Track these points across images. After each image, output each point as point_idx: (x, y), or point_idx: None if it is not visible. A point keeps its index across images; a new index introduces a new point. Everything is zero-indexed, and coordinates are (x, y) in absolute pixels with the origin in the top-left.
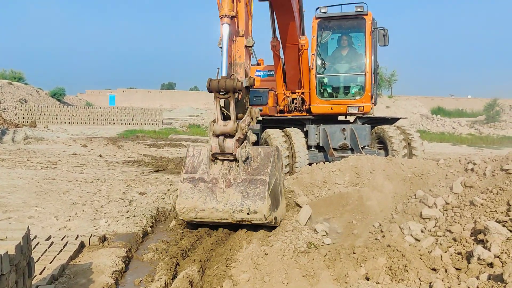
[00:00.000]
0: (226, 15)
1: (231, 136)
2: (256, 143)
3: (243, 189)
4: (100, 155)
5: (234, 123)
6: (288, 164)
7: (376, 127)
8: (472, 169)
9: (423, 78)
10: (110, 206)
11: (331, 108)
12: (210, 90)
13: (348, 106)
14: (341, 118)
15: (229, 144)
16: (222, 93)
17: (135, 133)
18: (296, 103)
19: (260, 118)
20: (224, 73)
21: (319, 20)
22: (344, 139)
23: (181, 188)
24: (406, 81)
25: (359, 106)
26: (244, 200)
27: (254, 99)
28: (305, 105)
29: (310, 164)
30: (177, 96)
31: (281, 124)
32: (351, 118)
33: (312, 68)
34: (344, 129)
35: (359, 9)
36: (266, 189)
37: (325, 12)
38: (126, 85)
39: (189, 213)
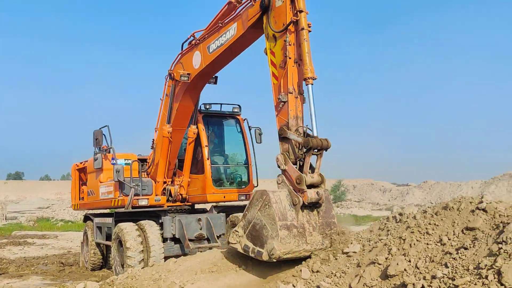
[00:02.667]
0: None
1: (315, 186)
2: (108, 237)
3: (322, 231)
4: None
5: (319, 176)
6: (143, 259)
7: (231, 215)
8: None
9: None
10: None
11: (224, 197)
12: (309, 147)
13: (238, 195)
14: (198, 206)
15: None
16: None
17: None
18: (175, 193)
19: (112, 211)
20: (315, 133)
21: (202, 115)
22: (200, 229)
23: (281, 235)
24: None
25: (247, 194)
26: (324, 240)
27: (141, 189)
28: (184, 195)
29: (166, 258)
30: (25, 186)
31: (135, 217)
32: (208, 207)
33: (208, 159)
34: (199, 219)
35: (235, 110)
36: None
37: (208, 109)
38: None
39: (285, 255)
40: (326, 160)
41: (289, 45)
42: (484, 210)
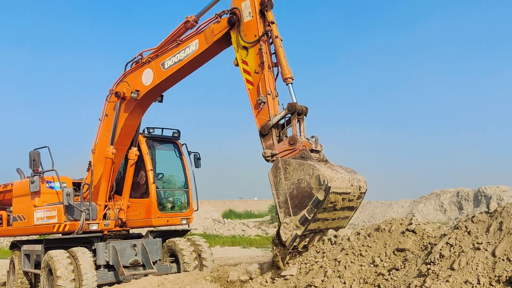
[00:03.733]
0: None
1: None
2: (37, 266)
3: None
4: None
5: (306, 138)
6: None
7: (167, 240)
8: (251, 278)
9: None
10: None
11: (167, 221)
12: (294, 111)
13: (180, 218)
14: (133, 231)
15: None
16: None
17: None
18: (115, 217)
19: (41, 237)
20: None
21: (145, 139)
22: (135, 255)
23: (320, 167)
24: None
25: (187, 218)
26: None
27: (90, 213)
28: (124, 219)
29: (99, 286)
30: None
31: (66, 244)
32: (143, 232)
33: (154, 183)
34: (135, 245)
35: (175, 134)
36: None
37: (150, 132)
38: None
39: (338, 182)
40: (263, 182)
41: (265, 53)
42: (413, 231)
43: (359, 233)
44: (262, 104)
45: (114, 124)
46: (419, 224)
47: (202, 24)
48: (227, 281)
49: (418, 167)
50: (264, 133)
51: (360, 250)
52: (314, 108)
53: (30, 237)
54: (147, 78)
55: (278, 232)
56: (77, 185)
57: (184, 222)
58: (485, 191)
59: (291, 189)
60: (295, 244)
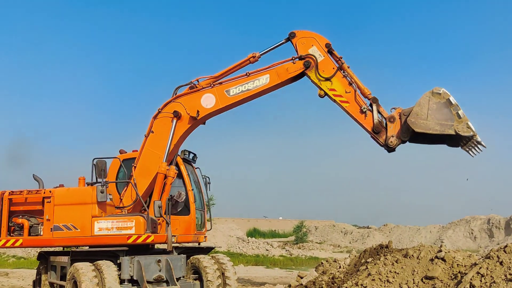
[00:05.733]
0: None
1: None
2: (63, 277)
3: None
4: None
5: None
6: None
7: (191, 257)
8: None
9: (239, 201)
10: None
11: (197, 238)
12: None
13: (203, 236)
14: (158, 246)
15: None
16: None
17: None
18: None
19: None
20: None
21: (182, 159)
22: (159, 271)
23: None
24: (223, 205)
25: (205, 236)
26: None
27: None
28: None
29: None
30: None
31: (92, 256)
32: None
33: (194, 202)
34: (159, 260)
35: (194, 158)
36: None
37: (185, 155)
38: None
39: None
40: (288, 201)
41: (348, 76)
42: (443, 259)
43: (387, 258)
44: (367, 111)
45: (169, 141)
46: (448, 252)
47: (276, 64)
48: None
49: (448, 192)
50: (377, 131)
51: (387, 277)
52: None
53: (56, 249)
54: (208, 102)
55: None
56: None
57: (204, 241)
58: None
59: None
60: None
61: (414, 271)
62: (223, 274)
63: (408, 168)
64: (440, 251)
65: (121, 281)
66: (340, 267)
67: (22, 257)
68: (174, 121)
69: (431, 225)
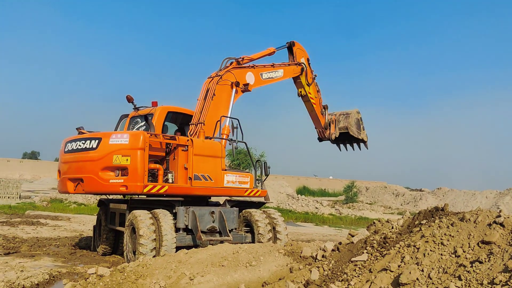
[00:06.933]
0: None
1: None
2: (121, 224)
3: None
4: None
5: None
6: (155, 247)
7: (244, 210)
8: (324, 256)
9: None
10: None
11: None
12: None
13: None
14: (213, 200)
15: None
16: None
17: None
18: None
19: (127, 198)
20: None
21: None
22: (213, 222)
23: None
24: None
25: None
26: None
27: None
28: None
29: (178, 248)
30: (41, 166)
31: (149, 205)
32: (221, 200)
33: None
34: (213, 212)
35: None
36: None
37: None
38: None
39: None
40: (339, 160)
41: (317, 85)
42: (501, 224)
43: (442, 221)
44: (324, 111)
45: (231, 106)
46: (508, 217)
47: (285, 64)
48: (300, 256)
49: (508, 157)
50: (326, 128)
51: (441, 239)
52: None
53: (115, 197)
54: (250, 79)
55: None
56: None
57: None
58: None
59: None
60: None
61: (470, 235)
62: (274, 228)
63: (464, 132)
64: (499, 216)
65: (176, 230)
66: (392, 227)
67: (83, 204)
68: (234, 89)
69: (487, 190)
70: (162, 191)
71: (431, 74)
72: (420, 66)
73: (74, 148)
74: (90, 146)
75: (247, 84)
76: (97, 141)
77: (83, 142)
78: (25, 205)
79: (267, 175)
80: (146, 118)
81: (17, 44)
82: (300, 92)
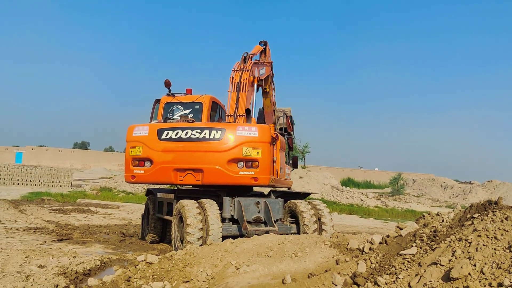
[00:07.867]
0: None
1: None
2: (169, 213)
3: None
4: None
5: None
6: (202, 236)
7: (288, 201)
8: (371, 249)
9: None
10: (4, 281)
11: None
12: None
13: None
14: (256, 190)
15: None
16: None
17: (41, 196)
18: None
19: (175, 187)
20: None
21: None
22: (258, 212)
23: None
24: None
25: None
26: None
27: None
28: None
29: (224, 237)
30: (90, 156)
31: (196, 194)
32: (266, 191)
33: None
34: (258, 202)
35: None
36: None
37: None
38: (35, 142)
39: None
40: (385, 152)
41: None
42: None
43: (496, 215)
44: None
45: (253, 97)
46: None
47: (261, 61)
48: (347, 248)
49: None
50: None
51: (495, 233)
52: None
53: (163, 186)
54: (262, 73)
55: None
56: None
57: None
58: None
59: None
60: None
61: None
62: (319, 219)
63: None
64: None
65: (222, 219)
66: (443, 221)
67: (131, 193)
68: (256, 84)
69: None
70: (272, 183)
71: (487, 66)
72: (478, 57)
73: (184, 137)
74: (212, 137)
75: (262, 80)
76: (220, 131)
77: (198, 131)
78: (76, 193)
79: (295, 167)
80: (194, 106)
81: (72, 44)
82: (266, 88)
